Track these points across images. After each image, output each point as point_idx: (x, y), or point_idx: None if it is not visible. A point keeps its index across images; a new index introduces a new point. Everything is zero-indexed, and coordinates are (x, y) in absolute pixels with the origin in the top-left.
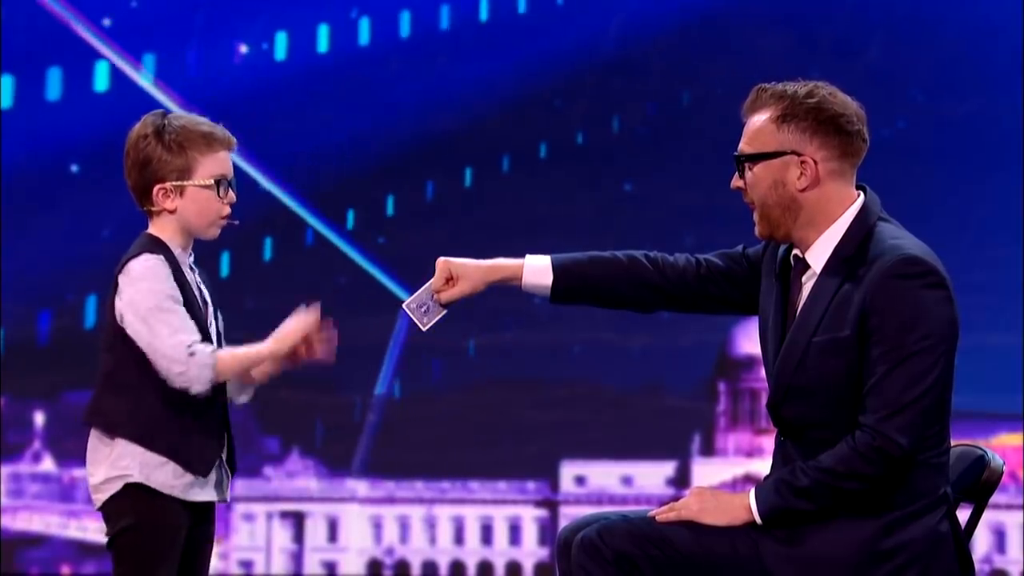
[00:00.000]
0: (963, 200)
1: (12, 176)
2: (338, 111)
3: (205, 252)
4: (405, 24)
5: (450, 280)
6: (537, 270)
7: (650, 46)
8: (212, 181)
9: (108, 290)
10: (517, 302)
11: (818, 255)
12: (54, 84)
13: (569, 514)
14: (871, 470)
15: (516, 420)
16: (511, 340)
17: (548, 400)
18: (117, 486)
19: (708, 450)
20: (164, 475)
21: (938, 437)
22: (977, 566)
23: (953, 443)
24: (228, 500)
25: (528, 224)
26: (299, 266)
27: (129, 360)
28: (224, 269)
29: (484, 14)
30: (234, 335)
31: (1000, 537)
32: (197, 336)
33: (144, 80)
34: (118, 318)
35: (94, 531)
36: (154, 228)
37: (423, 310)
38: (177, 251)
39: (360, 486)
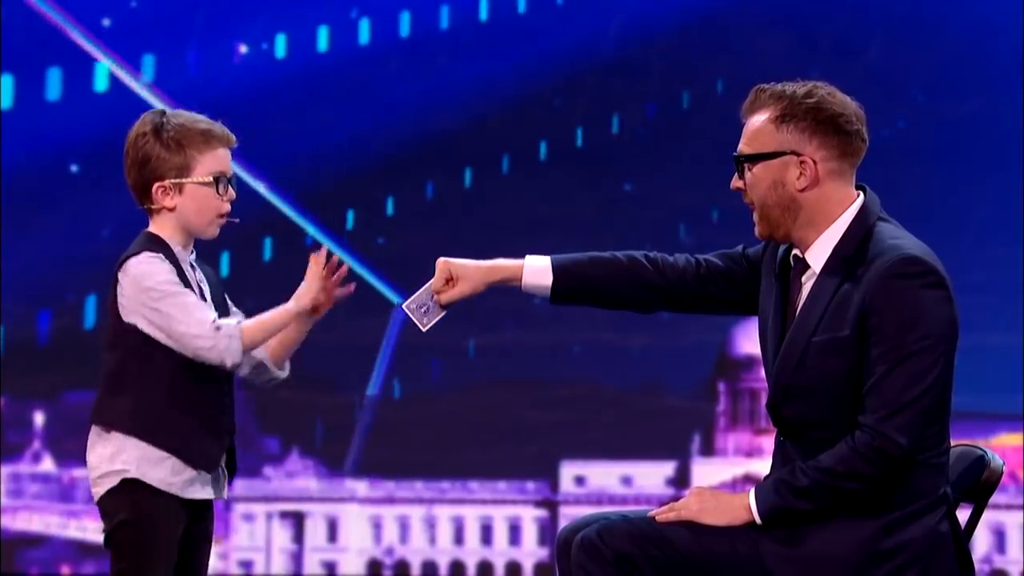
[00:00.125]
0: (963, 200)
1: (12, 176)
2: (338, 111)
3: (205, 252)
4: (405, 24)
5: (450, 281)
6: (537, 271)
7: (650, 46)
8: (211, 178)
9: (108, 289)
10: (517, 302)
11: (818, 255)
12: (54, 84)
13: (569, 514)
14: (871, 470)
15: (516, 420)
16: (511, 340)
17: (548, 400)
18: (114, 481)
19: (708, 450)
20: (162, 472)
21: (938, 437)
22: (977, 566)
23: (953, 443)
24: (225, 497)
25: (528, 224)
26: (299, 266)
27: (131, 357)
28: (224, 269)
29: (484, 14)
30: None
31: (1000, 537)
32: (215, 313)
33: (143, 81)
34: (120, 316)
35: (94, 531)
36: (154, 226)
37: (423, 310)
38: (177, 249)
39: (360, 486)
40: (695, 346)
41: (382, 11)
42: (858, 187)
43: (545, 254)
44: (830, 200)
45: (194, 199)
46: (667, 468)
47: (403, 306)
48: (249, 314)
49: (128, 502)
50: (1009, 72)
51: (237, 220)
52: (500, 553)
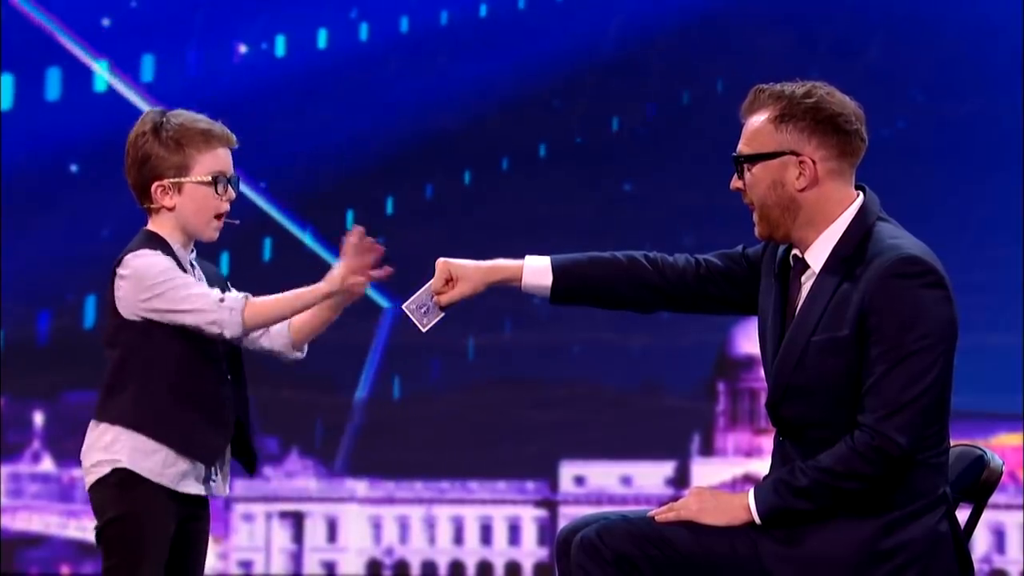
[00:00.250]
0: (963, 200)
1: (11, 176)
2: (337, 111)
3: (205, 251)
4: (404, 24)
5: (450, 281)
6: (537, 271)
7: (650, 46)
8: (210, 178)
9: (107, 288)
10: (516, 302)
11: (817, 255)
12: (53, 84)
13: (568, 514)
14: (870, 470)
15: (515, 420)
16: (510, 340)
17: (547, 400)
18: (105, 470)
19: (707, 450)
20: (153, 463)
21: (937, 437)
22: (976, 566)
23: (952, 443)
24: (227, 494)
25: (527, 224)
26: (298, 266)
27: (130, 353)
28: (224, 269)
29: (483, 13)
30: None
31: (999, 537)
32: (219, 291)
33: (142, 81)
34: (118, 312)
35: (93, 531)
36: (153, 225)
37: (423, 311)
38: (176, 247)
39: (359, 486)
40: (695, 346)
41: (381, 11)
42: (858, 187)
43: (545, 254)
44: (829, 200)
45: (193, 199)
46: (667, 468)
47: (403, 306)
48: None
49: (118, 496)
50: (1009, 72)
51: (237, 222)
52: (500, 553)
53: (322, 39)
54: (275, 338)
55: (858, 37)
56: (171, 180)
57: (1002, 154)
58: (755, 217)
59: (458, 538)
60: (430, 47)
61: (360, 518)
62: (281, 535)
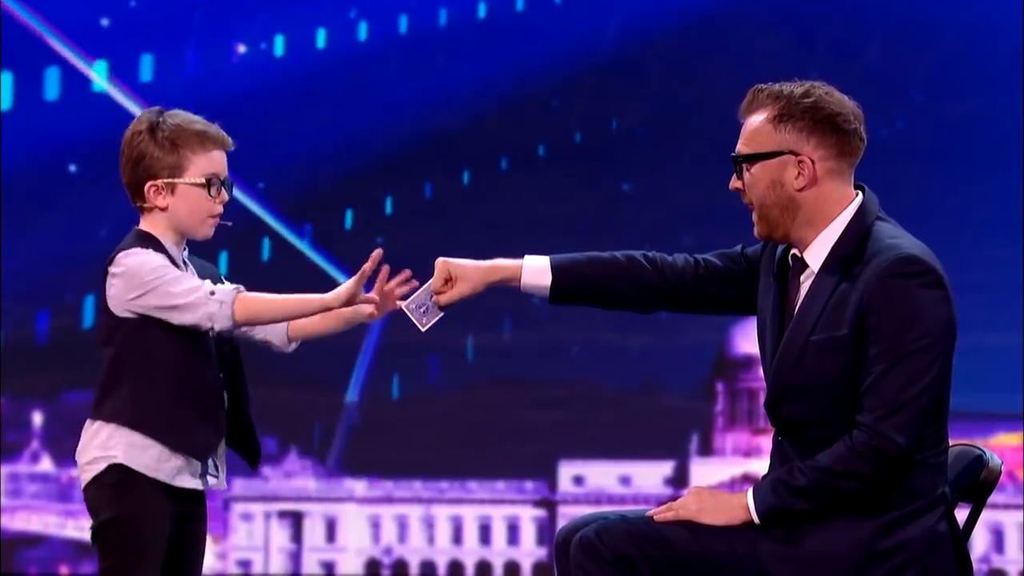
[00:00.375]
0: (962, 200)
1: (11, 176)
2: (336, 111)
3: (203, 251)
4: (403, 24)
5: (449, 281)
6: (536, 271)
7: (648, 46)
8: (203, 180)
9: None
10: (515, 302)
11: (816, 254)
12: (52, 84)
13: (567, 514)
14: (869, 469)
15: (514, 420)
16: (509, 340)
17: (546, 400)
18: (100, 467)
19: (706, 450)
20: (148, 458)
21: (936, 437)
22: (975, 566)
23: (951, 443)
24: (225, 487)
25: (527, 224)
26: (297, 266)
27: (124, 350)
28: (222, 269)
29: (482, 13)
30: None
31: (998, 537)
32: (211, 284)
33: (137, 83)
34: (110, 311)
35: (88, 530)
36: (145, 224)
37: (422, 310)
38: (169, 245)
39: (358, 486)
40: (693, 346)
41: (380, 11)
42: (857, 187)
43: (544, 254)
44: (828, 199)
45: (186, 200)
46: (665, 468)
47: (402, 306)
48: None
49: (114, 496)
50: (1008, 72)
51: (230, 224)
52: (499, 553)
53: (321, 39)
54: (271, 331)
55: (857, 37)
56: (165, 180)
57: (1001, 154)
58: (754, 217)
59: (457, 538)
60: (429, 47)
61: (359, 518)
62: (280, 535)
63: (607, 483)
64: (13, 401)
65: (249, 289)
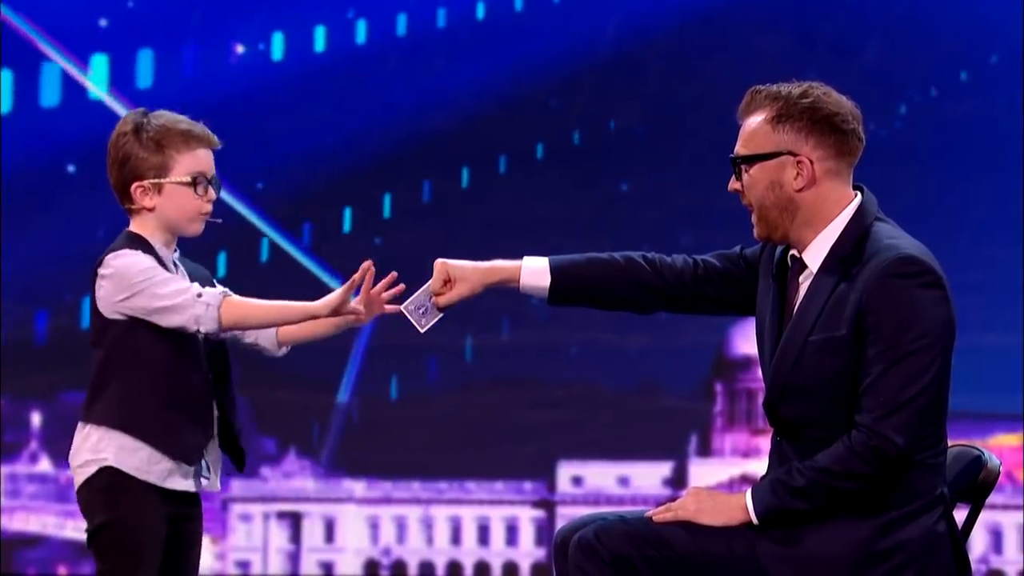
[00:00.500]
0: (961, 200)
1: (10, 176)
2: (334, 111)
3: (201, 251)
4: (402, 24)
5: (448, 282)
6: (535, 272)
7: (647, 46)
8: (190, 178)
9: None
10: (514, 302)
11: (815, 255)
12: (51, 85)
13: (566, 514)
14: (867, 469)
15: (513, 420)
16: (508, 340)
17: (545, 400)
18: (92, 470)
19: (705, 450)
20: (138, 460)
21: (935, 437)
22: (974, 566)
23: (950, 443)
24: (218, 489)
25: (525, 224)
26: (295, 267)
27: (113, 352)
28: (221, 270)
29: (481, 14)
30: None
31: (997, 537)
32: (199, 287)
33: (135, 83)
34: (99, 312)
35: (84, 533)
36: (135, 225)
37: (421, 312)
38: (159, 246)
39: (357, 486)
40: (692, 347)
41: (379, 11)
42: (855, 187)
43: (543, 254)
44: (827, 200)
45: (173, 199)
46: (664, 468)
47: (401, 308)
48: None
49: (106, 500)
50: (1007, 72)
51: (219, 221)
52: (497, 553)
53: (319, 39)
54: (261, 335)
55: (856, 37)
56: (151, 181)
57: (1000, 154)
58: (753, 218)
59: (456, 538)
60: (428, 47)
61: (358, 518)
62: (279, 535)
63: (606, 484)
64: (12, 401)
65: (246, 291)
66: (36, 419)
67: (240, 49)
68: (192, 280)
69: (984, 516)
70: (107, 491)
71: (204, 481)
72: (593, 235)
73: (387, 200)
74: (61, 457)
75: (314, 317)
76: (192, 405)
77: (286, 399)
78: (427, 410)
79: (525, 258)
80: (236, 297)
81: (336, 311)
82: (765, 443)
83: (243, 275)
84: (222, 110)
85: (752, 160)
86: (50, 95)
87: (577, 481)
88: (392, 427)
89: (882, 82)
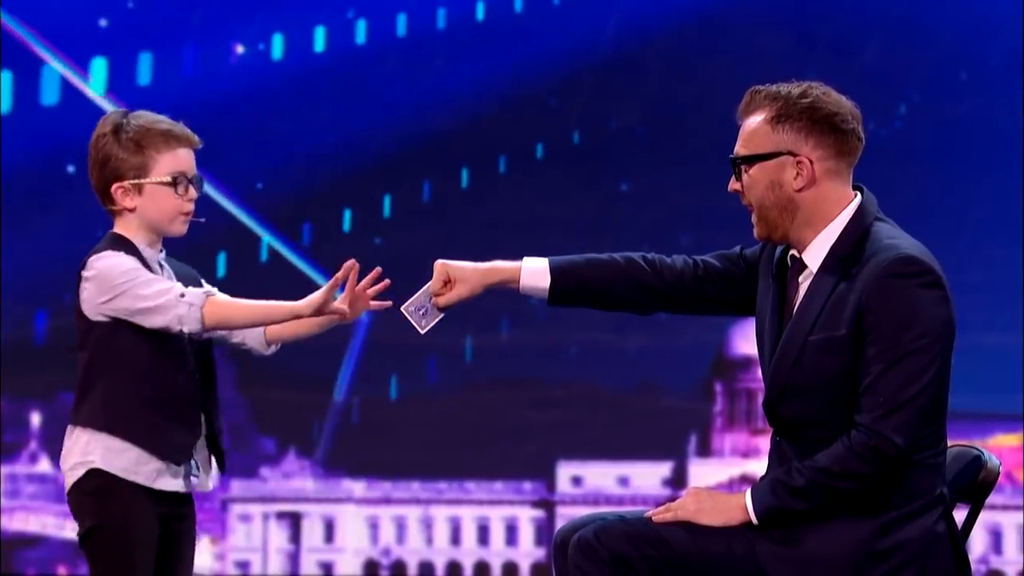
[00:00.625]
0: (960, 200)
1: (10, 177)
2: (334, 111)
3: (202, 251)
4: (401, 24)
5: (448, 283)
6: (535, 272)
7: (647, 46)
8: (170, 178)
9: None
10: (514, 303)
11: (815, 255)
12: (51, 85)
13: (566, 514)
14: (867, 469)
15: (513, 421)
16: (508, 340)
17: (545, 400)
18: (80, 472)
19: (704, 450)
20: (126, 461)
21: (934, 437)
22: (973, 567)
23: (950, 443)
24: (210, 489)
25: (525, 224)
26: (295, 267)
27: (98, 354)
28: (220, 270)
29: (480, 14)
30: None
31: (997, 538)
32: (183, 287)
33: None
34: (84, 315)
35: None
36: (118, 227)
37: (421, 313)
38: (142, 247)
39: (357, 487)
40: (692, 347)
41: (379, 11)
42: (855, 187)
43: (543, 254)
44: (827, 200)
45: (153, 199)
46: (664, 468)
47: (401, 309)
48: None
49: (96, 504)
50: (1007, 72)
51: (203, 220)
52: (497, 553)
53: (319, 39)
54: (248, 335)
55: (855, 37)
56: (131, 181)
57: (1000, 154)
58: (753, 218)
59: (455, 538)
60: (428, 47)
61: (357, 519)
62: (278, 535)
63: (605, 484)
64: (12, 401)
65: (246, 291)
66: (36, 419)
67: (240, 49)
68: (179, 280)
69: (984, 516)
70: (96, 494)
71: (194, 480)
72: (593, 235)
73: (387, 200)
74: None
75: (298, 317)
76: (178, 405)
77: (286, 399)
78: (427, 410)
79: (525, 259)
80: (220, 297)
81: (319, 311)
82: (765, 443)
83: (243, 275)
84: (222, 110)
85: (752, 160)
86: (50, 95)
87: (577, 481)
88: (392, 427)
89: (882, 82)
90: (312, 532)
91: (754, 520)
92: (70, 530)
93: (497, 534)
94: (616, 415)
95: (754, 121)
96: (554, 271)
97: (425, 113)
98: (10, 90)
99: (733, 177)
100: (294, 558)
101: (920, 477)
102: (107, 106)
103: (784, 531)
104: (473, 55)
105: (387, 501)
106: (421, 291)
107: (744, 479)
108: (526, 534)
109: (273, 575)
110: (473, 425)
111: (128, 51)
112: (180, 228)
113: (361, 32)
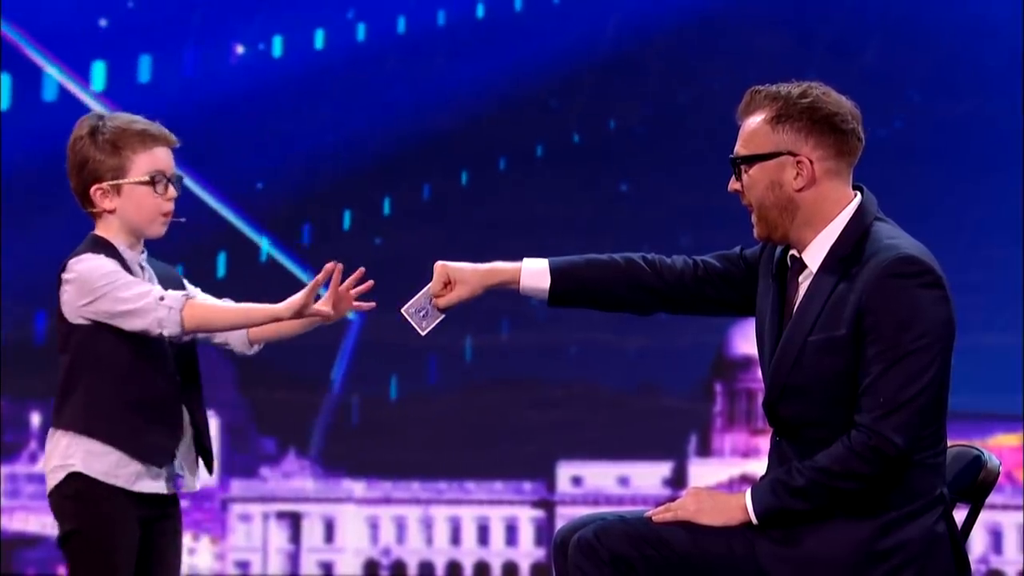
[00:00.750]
0: (960, 200)
1: (10, 176)
2: (334, 111)
3: (201, 252)
4: (401, 24)
5: (448, 284)
6: (535, 273)
7: (647, 46)
8: (148, 177)
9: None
10: (514, 303)
11: (814, 255)
12: (51, 84)
13: (566, 515)
14: (867, 469)
15: (513, 421)
16: (508, 340)
17: (545, 401)
18: (60, 475)
19: (704, 450)
20: (106, 464)
21: (934, 437)
22: (974, 567)
23: (949, 443)
24: (196, 489)
25: (525, 224)
26: (296, 266)
27: (78, 357)
28: (220, 270)
29: (480, 13)
30: None
31: (997, 538)
32: (162, 290)
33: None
34: (64, 318)
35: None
36: (99, 229)
37: (421, 314)
38: (123, 249)
39: (357, 487)
40: (692, 347)
41: (379, 11)
42: (855, 187)
43: (543, 255)
44: (827, 200)
45: (132, 199)
46: (664, 468)
47: (402, 310)
48: None
49: (75, 508)
50: (1006, 72)
51: (183, 220)
52: (497, 554)
53: (319, 40)
54: (230, 336)
55: (855, 37)
56: (109, 183)
57: (999, 154)
58: (753, 218)
59: (455, 538)
60: (427, 47)
61: (357, 518)
62: (278, 535)
63: (605, 484)
64: (12, 402)
65: (246, 291)
66: (36, 419)
67: (240, 50)
68: (161, 281)
69: (984, 516)
70: (75, 498)
71: (179, 481)
72: (593, 235)
73: (387, 200)
74: None
75: (277, 319)
76: (159, 407)
77: (285, 399)
78: (427, 410)
79: (525, 260)
80: (201, 299)
81: (299, 313)
82: (765, 443)
83: (243, 275)
84: (222, 110)
85: (752, 160)
86: (50, 95)
87: (577, 481)
88: (392, 427)
89: (882, 82)
90: (312, 532)
91: (754, 520)
92: None
93: (497, 534)
94: (616, 415)
95: (754, 121)
96: (554, 272)
97: (425, 113)
98: (10, 90)
99: (733, 177)
100: (294, 558)
101: (920, 477)
102: (107, 106)
103: (784, 531)
104: (473, 55)
105: (387, 501)
106: (421, 293)
107: (744, 479)
108: (526, 534)
109: (273, 575)
110: (473, 425)
111: (128, 51)
112: (159, 230)
113: (361, 32)
